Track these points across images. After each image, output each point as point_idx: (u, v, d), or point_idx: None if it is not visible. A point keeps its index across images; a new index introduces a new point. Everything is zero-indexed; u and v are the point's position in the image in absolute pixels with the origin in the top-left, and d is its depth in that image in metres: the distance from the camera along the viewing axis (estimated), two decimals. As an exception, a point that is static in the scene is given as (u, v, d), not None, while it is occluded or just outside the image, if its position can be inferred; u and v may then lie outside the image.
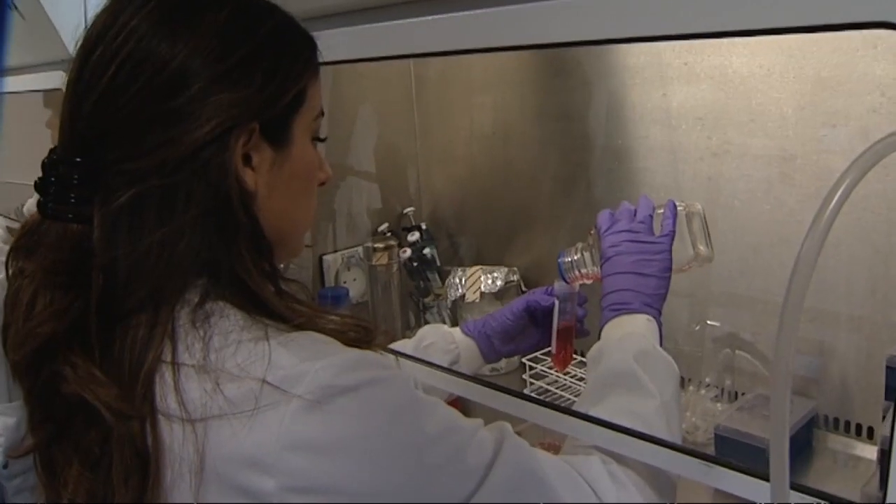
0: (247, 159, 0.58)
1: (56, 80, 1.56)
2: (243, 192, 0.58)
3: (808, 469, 1.04)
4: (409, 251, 1.41)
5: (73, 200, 0.56)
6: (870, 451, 1.05)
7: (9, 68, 1.66)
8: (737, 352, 1.14)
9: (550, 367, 1.26)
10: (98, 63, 0.56)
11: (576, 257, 0.93)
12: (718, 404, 1.13)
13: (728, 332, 1.15)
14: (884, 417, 0.92)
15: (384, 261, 1.45)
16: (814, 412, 1.07)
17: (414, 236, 1.42)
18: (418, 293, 1.44)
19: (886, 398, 0.94)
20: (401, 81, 1.59)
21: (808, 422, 1.06)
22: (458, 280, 1.33)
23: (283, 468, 0.51)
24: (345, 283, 1.51)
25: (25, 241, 0.59)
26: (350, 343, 0.59)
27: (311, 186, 0.66)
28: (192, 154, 0.55)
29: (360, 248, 1.52)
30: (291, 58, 0.62)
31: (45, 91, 1.71)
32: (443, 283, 1.39)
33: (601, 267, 0.86)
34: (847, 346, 1.07)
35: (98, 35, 0.57)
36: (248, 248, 0.58)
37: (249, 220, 0.58)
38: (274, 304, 0.58)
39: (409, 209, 1.55)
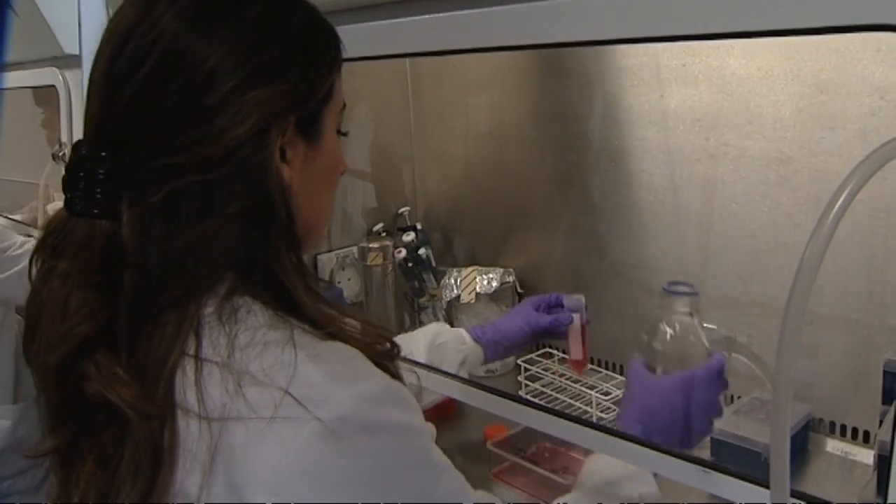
0: (282, 154, 0.58)
1: (49, 76, 1.55)
2: (282, 187, 0.57)
3: (804, 473, 1.04)
4: (403, 251, 1.40)
5: (99, 196, 0.55)
6: (866, 456, 1.04)
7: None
8: (733, 355, 1.13)
9: (545, 370, 1.25)
10: (132, 58, 0.55)
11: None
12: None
13: (724, 335, 1.14)
14: (881, 422, 0.92)
15: (379, 261, 1.44)
16: (810, 416, 1.06)
17: (409, 236, 1.42)
18: (413, 294, 1.43)
19: (883, 402, 0.94)
20: (397, 80, 1.58)
21: (805, 426, 1.06)
22: (453, 281, 1.32)
23: (282, 490, 0.50)
24: (339, 283, 1.51)
25: (52, 240, 0.58)
26: (375, 355, 0.58)
27: (336, 179, 0.67)
28: (232, 150, 0.54)
29: (354, 248, 1.51)
30: (322, 51, 0.61)
31: (36, 89, 1.70)
32: (438, 284, 1.39)
33: None
34: (844, 350, 1.06)
35: (129, 29, 0.55)
36: (284, 244, 0.58)
37: (288, 216, 0.58)
38: (305, 303, 0.58)
39: (404, 209, 1.54)
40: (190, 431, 0.53)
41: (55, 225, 0.58)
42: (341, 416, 0.51)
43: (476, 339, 1.04)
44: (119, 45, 0.55)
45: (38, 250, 0.59)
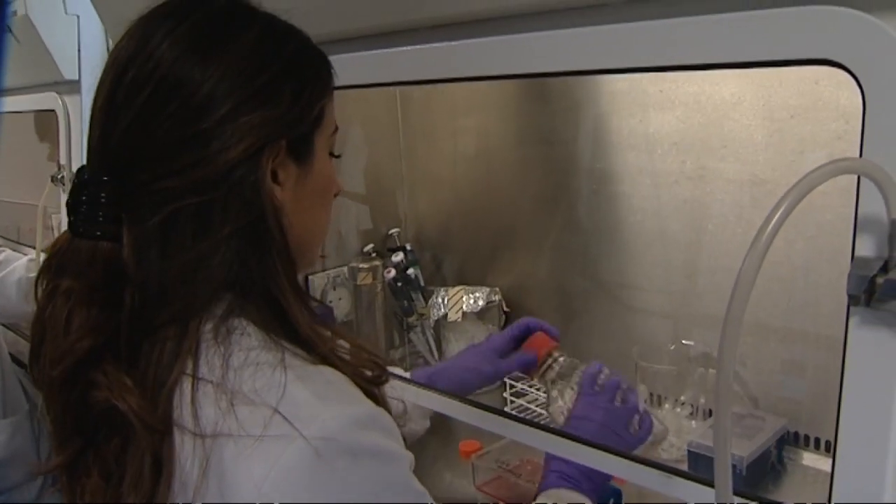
0: (273, 175, 0.60)
1: (49, 101, 1.59)
2: (275, 208, 0.60)
3: (779, 486, 1.06)
4: (393, 271, 1.44)
5: (101, 219, 0.58)
6: (839, 468, 1.07)
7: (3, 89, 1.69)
8: (710, 371, 1.16)
9: (531, 386, 1.28)
10: (130, 87, 0.57)
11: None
12: (693, 422, 1.16)
13: (703, 351, 1.18)
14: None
15: (368, 280, 1.47)
16: (784, 429, 1.09)
17: (398, 257, 1.45)
18: (402, 312, 1.46)
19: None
20: (387, 105, 1.62)
21: (780, 439, 1.08)
22: (441, 300, 1.35)
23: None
24: (330, 302, 1.54)
25: (56, 261, 0.61)
26: (364, 380, 0.61)
27: (329, 199, 0.69)
28: (226, 172, 0.57)
29: (345, 268, 1.55)
30: (313, 76, 0.64)
31: (37, 120, 1.74)
32: (426, 303, 1.42)
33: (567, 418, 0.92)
34: (818, 365, 1.10)
35: (129, 58, 0.58)
36: (281, 263, 0.60)
37: (281, 235, 0.60)
38: (299, 321, 0.60)
39: (394, 230, 1.58)
40: (185, 448, 0.55)
41: (58, 246, 0.61)
42: (326, 436, 0.52)
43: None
44: (119, 74, 0.58)
45: (42, 271, 0.61)
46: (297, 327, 0.60)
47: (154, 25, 0.59)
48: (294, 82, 0.62)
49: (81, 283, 0.58)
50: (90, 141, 0.60)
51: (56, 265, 0.61)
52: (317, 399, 0.55)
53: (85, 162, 0.61)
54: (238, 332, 0.59)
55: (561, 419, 0.95)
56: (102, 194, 0.58)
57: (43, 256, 1.58)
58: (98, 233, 0.58)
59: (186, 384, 0.56)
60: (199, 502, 0.54)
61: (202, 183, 0.57)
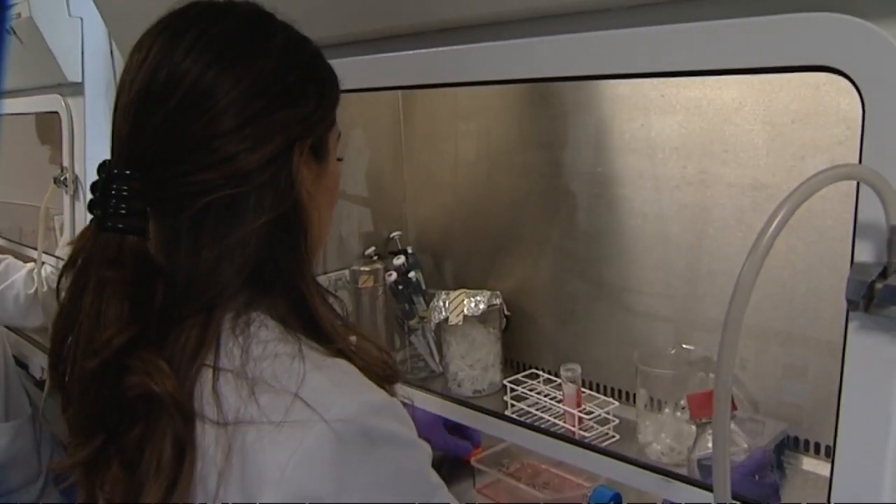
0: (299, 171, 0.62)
1: (52, 103, 1.59)
2: (305, 200, 0.62)
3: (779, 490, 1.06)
4: (394, 274, 1.44)
5: (123, 212, 0.59)
6: (839, 473, 1.07)
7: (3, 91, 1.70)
8: (711, 375, 1.16)
9: (531, 390, 1.28)
10: (161, 90, 0.59)
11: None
12: (693, 426, 1.16)
13: (703, 355, 1.18)
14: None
15: (369, 283, 1.47)
16: (784, 434, 1.09)
17: (399, 260, 1.45)
18: (403, 316, 1.46)
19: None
20: (389, 108, 1.63)
21: (780, 444, 1.09)
22: (441, 303, 1.35)
23: (288, 488, 0.53)
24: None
25: (85, 255, 0.61)
26: (375, 377, 0.62)
27: (335, 200, 0.72)
28: (261, 166, 0.59)
29: (347, 271, 1.55)
30: (331, 80, 0.68)
31: (38, 122, 1.74)
32: (427, 306, 1.42)
33: None
34: (818, 369, 1.10)
35: (159, 63, 0.59)
36: (307, 253, 0.62)
37: (309, 226, 0.63)
38: (321, 313, 0.62)
39: (395, 233, 1.58)
40: (207, 436, 0.56)
41: (83, 241, 0.61)
42: (345, 419, 0.54)
43: None
44: (150, 76, 0.59)
45: (66, 267, 0.62)
46: (317, 318, 0.61)
47: (183, 28, 0.61)
48: (318, 83, 0.65)
49: (113, 276, 0.59)
50: (117, 137, 0.61)
51: (83, 260, 0.61)
52: (334, 386, 0.56)
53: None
54: (256, 324, 0.60)
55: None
56: (129, 188, 0.59)
57: (45, 258, 1.59)
58: (122, 226, 0.59)
59: (207, 374, 0.57)
60: (224, 487, 0.55)
61: (237, 174, 0.59)
